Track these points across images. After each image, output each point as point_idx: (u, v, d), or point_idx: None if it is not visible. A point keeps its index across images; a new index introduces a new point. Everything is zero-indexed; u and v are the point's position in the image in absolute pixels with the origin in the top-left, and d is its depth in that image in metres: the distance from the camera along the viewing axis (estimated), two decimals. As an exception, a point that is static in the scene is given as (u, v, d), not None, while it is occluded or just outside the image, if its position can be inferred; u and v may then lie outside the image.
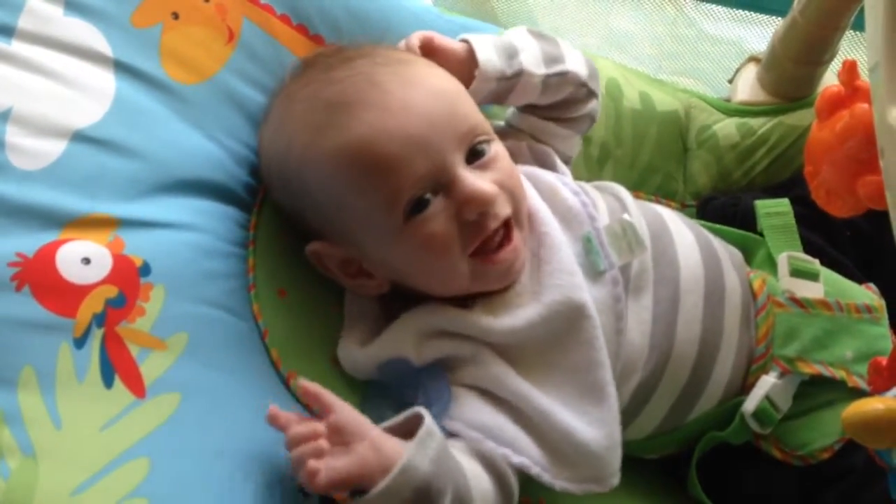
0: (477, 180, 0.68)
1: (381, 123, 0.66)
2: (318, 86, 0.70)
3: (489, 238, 0.69)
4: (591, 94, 0.85)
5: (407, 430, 0.63)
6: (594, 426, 0.68)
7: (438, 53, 0.77)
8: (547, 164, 0.82)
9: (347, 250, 0.72)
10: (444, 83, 0.71)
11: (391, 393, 0.73)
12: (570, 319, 0.70)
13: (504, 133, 0.84)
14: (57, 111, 0.66)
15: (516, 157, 0.80)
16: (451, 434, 0.68)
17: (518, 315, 0.70)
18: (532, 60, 0.80)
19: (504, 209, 0.70)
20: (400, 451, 0.60)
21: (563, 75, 0.81)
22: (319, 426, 0.61)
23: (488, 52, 0.78)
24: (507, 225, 0.70)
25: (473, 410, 0.69)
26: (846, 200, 0.67)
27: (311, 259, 0.74)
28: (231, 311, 0.70)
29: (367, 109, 0.67)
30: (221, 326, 0.69)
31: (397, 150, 0.66)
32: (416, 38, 0.78)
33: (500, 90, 0.79)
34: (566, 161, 0.86)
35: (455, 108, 0.69)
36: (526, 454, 0.67)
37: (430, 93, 0.68)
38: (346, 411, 0.62)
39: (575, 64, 0.82)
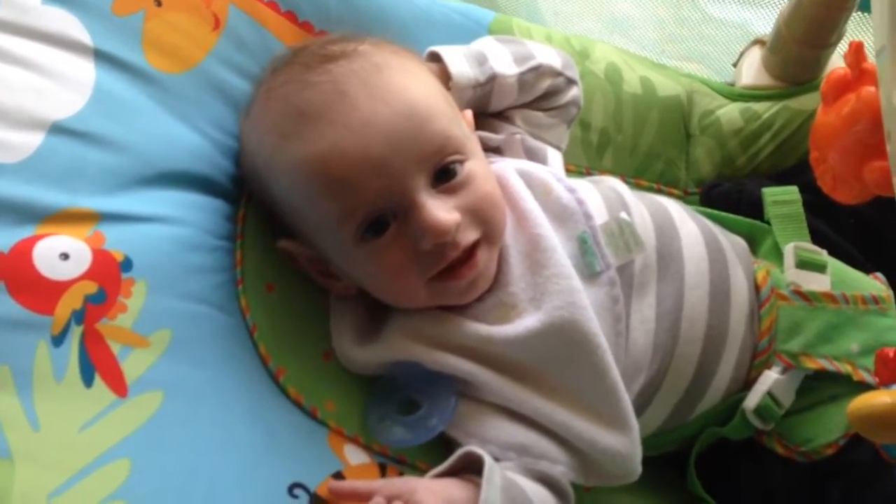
0: (436, 209, 0.65)
1: (340, 142, 0.64)
2: (294, 87, 0.68)
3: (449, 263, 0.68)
4: (570, 81, 0.84)
5: (452, 470, 0.64)
6: (614, 429, 0.68)
7: None
8: (538, 160, 0.80)
9: (315, 251, 0.71)
10: (419, 96, 0.68)
11: (395, 395, 0.72)
12: (571, 325, 0.67)
13: (499, 127, 0.82)
14: (34, 102, 0.63)
15: (510, 151, 0.79)
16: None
17: (518, 324, 0.68)
18: (503, 63, 0.79)
19: (467, 236, 0.67)
20: (466, 497, 0.61)
21: (537, 69, 0.81)
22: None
23: (460, 64, 0.77)
24: (471, 247, 0.68)
25: (497, 428, 0.69)
26: (853, 187, 0.66)
27: (282, 254, 0.73)
28: (217, 307, 0.68)
29: (330, 125, 0.65)
30: (207, 322, 0.67)
31: (352, 170, 0.64)
32: None
33: (478, 97, 0.78)
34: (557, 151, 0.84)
35: (424, 126, 0.66)
36: (561, 462, 0.67)
37: (400, 109, 0.65)
38: (391, 483, 0.63)
39: (546, 57, 0.82)
